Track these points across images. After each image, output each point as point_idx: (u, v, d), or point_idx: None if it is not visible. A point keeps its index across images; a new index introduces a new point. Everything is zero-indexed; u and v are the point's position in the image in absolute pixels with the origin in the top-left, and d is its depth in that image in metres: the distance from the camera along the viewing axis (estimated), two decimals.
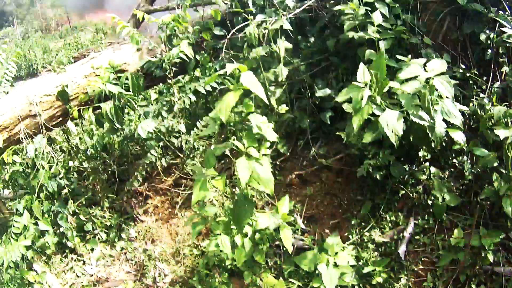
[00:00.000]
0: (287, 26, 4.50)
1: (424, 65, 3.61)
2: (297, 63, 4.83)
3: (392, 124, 3.31)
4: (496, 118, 3.64)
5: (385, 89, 3.43)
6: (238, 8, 5.05)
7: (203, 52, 5.22)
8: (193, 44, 5.06)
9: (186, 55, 4.72)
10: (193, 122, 5.24)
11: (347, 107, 3.69)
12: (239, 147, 3.13)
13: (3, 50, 5.78)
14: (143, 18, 5.05)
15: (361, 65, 3.51)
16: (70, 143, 5.53)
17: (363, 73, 3.42)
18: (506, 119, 3.61)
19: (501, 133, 3.49)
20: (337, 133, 4.27)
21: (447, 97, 3.47)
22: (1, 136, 4.56)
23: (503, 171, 3.72)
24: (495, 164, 3.73)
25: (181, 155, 5.18)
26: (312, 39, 5.09)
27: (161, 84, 5.54)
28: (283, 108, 3.93)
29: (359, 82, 3.44)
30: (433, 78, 3.38)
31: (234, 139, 3.23)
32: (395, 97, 3.59)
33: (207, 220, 3.70)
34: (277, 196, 4.51)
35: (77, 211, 5.09)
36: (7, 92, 5.57)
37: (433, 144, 3.65)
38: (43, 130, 4.80)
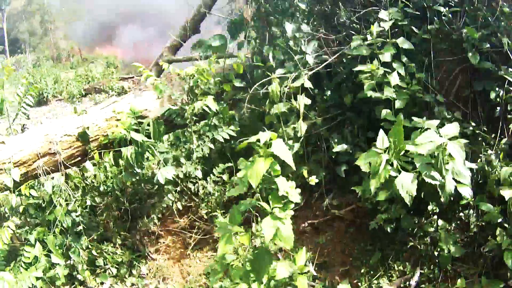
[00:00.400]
0: (308, 84, 4.75)
1: (438, 127, 3.85)
2: (314, 117, 5.04)
3: (406, 186, 3.56)
4: (503, 178, 3.89)
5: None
6: (258, 61, 5.33)
7: (222, 101, 5.46)
8: (214, 95, 5.29)
9: (208, 107, 4.95)
10: (209, 167, 5.44)
11: (364, 167, 3.88)
12: (265, 207, 3.32)
13: (22, 84, 5.96)
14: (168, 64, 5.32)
15: (381, 132, 3.79)
16: (84, 180, 5.67)
17: (382, 140, 3.68)
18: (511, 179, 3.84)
19: (507, 193, 3.80)
20: (353, 187, 4.46)
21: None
22: (19, 170, 4.74)
23: (506, 225, 3.93)
24: (499, 220, 3.94)
25: (196, 199, 5.37)
26: (329, 92, 5.29)
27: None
28: (312, 180, 4.12)
29: (377, 148, 3.65)
30: (446, 144, 3.59)
31: (259, 198, 3.42)
32: (409, 156, 3.81)
33: (226, 266, 3.86)
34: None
35: (89, 246, 5.26)
36: (23, 125, 5.81)
37: (442, 200, 3.84)
38: (61, 168, 4.99)
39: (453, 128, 3.77)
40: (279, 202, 3.42)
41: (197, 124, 5.66)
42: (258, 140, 3.39)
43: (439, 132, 3.81)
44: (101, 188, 5.62)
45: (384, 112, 4.47)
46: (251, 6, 5.72)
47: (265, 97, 5.00)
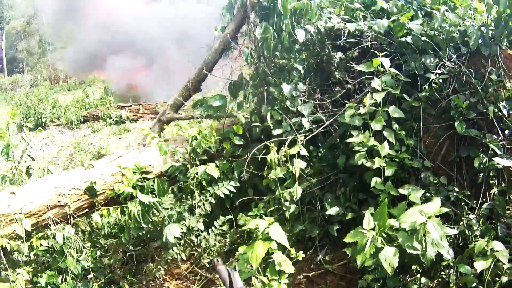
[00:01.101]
0: (304, 152, 5.23)
1: (422, 198, 4.38)
2: (309, 179, 5.53)
3: (389, 259, 4.09)
4: (477, 250, 4.29)
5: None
6: (257, 121, 5.79)
7: (222, 158, 5.92)
8: (215, 152, 5.76)
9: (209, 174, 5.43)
10: (210, 219, 5.88)
11: (349, 239, 4.37)
12: (263, 280, 3.79)
13: (27, 128, 6.40)
14: (168, 122, 5.81)
15: (367, 213, 4.30)
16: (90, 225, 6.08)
17: (368, 221, 4.16)
18: (486, 251, 4.30)
19: (479, 265, 4.21)
20: (343, 249, 4.90)
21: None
22: (30, 221, 5.13)
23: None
24: (474, 284, 4.37)
25: (199, 250, 5.81)
26: (323, 150, 5.76)
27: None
28: (300, 255, 4.64)
29: (363, 229, 4.15)
30: (426, 222, 4.11)
31: (258, 270, 3.90)
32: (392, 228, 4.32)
33: None
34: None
35: None
36: (28, 167, 6.23)
37: (424, 265, 4.34)
38: (71, 219, 5.40)
39: (434, 206, 4.26)
40: (275, 274, 3.88)
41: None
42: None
43: (423, 202, 4.35)
44: (106, 231, 6.00)
45: (374, 181, 4.95)
46: (250, 67, 6.18)
47: (263, 161, 5.43)
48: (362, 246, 4.11)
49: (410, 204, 4.69)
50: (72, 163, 10.12)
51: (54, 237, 5.38)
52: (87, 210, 5.62)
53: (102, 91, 19.22)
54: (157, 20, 22.61)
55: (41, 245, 5.31)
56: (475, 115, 5.25)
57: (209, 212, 5.71)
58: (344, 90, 5.74)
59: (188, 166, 5.61)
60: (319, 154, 5.81)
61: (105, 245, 6.01)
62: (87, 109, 15.18)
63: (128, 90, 18.78)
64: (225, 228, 5.89)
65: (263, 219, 4.50)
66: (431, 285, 4.82)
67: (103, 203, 5.60)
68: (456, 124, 5.15)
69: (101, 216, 5.61)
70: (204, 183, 5.71)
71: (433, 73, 5.40)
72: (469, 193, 5.18)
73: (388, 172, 4.95)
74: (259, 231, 3.92)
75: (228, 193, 5.67)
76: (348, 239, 4.33)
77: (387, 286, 4.75)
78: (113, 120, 13.96)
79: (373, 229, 4.16)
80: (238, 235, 5.81)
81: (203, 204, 5.61)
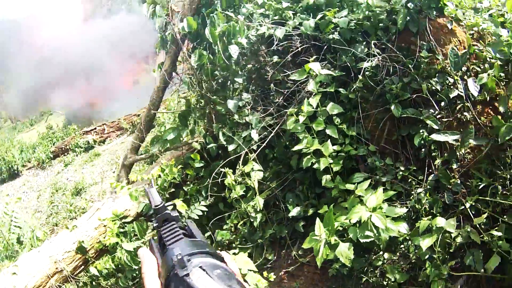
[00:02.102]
0: (258, 167, 5.80)
1: (370, 183, 5.01)
2: (269, 184, 6.13)
3: (345, 253, 4.77)
4: (422, 230, 4.78)
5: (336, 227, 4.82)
6: (211, 141, 6.36)
7: (188, 183, 6.50)
8: (180, 181, 6.33)
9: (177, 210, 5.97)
10: None
11: (306, 245, 5.03)
12: None
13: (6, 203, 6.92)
14: (132, 164, 6.37)
15: (317, 221, 4.90)
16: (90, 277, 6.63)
17: (319, 228, 4.81)
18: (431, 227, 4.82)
19: (425, 242, 4.69)
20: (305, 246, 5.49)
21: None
22: None
23: (434, 256, 4.80)
24: (427, 256, 4.84)
25: None
26: (276, 152, 6.29)
27: None
28: (271, 276, 5.37)
29: (316, 235, 4.80)
30: (371, 216, 4.73)
31: None
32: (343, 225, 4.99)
33: None
34: None
35: None
36: (18, 237, 6.77)
37: (381, 247, 4.99)
38: (71, 281, 5.95)
39: (376, 199, 4.87)
40: None
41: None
42: None
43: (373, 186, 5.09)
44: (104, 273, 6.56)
45: (324, 179, 5.53)
46: (194, 92, 6.71)
47: (223, 184, 5.96)
48: (317, 251, 4.76)
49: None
50: (55, 208, 10.55)
51: None
52: (82, 267, 6.13)
53: (64, 118, 19.43)
54: (93, 36, 22.76)
55: None
56: (409, 95, 5.51)
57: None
58: (285, 91, 6.12)
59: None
60: (274, 155, 6.33)
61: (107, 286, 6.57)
62: (54, 143, 15.46)
63: (84, 112, 19.02)
64: None
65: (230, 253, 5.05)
66: (394, 258, 5.33)
67: (95, 256, 6.12)
68: (392, 107, 5.50)
69: (96, 268, 6.18)
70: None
71: (365, 61, 5.63)
72: (415, 168, 5.56)
73: (336, 168, 5.48)
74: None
75: (201, 213, 6.14)
76: (305, 245, 4.97)
77: (354, 268, 5.31)
78: (82, 148, 14.31)
79: (325, 232, 4.80)
80: (219, 248, 6.36)
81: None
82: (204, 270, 1.13)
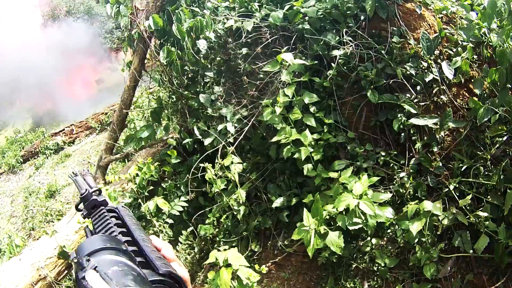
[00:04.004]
0: (237, 160, 5.53)
1: (353, 169, 4.78)
2: (249, 176, 5.85)
3: (335, 242, 4.54)
4: (410, 214, 4.65)
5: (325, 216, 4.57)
6: (186, 137, 6.05)
7: (166, 179, 6.18)
8: (158, 178, 6.01)
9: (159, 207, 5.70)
10: (174, 235, 6.16)
11: (296, 237, 4.78)
12: None
13: None
14: (107, 165, 6.01)
15: (305, 211, 4.69)
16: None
17: (307, 218, 4.57)
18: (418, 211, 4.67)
19: (415, 226, 4.53)
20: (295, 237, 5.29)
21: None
22: None
23: (423, 239, 4.71)
24: (416, 240, 4.71)
25: None
26: (254, 143, 6.05)
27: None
28: (263, 269, 4.90)
29: (305, 226, 4.55)
30: (358, 203, 4.52)
31: None
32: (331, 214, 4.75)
33: None
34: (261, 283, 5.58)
35: None
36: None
37: (369, 232, 4.78)
38: (55, 285, 5.63)
39: (362, 186, 4.67)
40: (245, 287, 4.25)
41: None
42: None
43: (355, 173, 4.88)
44: None
45: (306, 168, 5.28)
46: (165, 89, 6.40)
47: (201, 178, 5.73)
48: (308, 241, 4.53)
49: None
50: (30, 212, 10.14)
51: None
52: (66, 271, 5.85)
53: (31, 121, 18.81)
54: (51, 38, 22.20)
55: None
56: (385, 80, 5.38)
57: (170, 235, 5.99)
58: (258, 82, 5.90)
59: (139, 200, 5.85)
60: (251, 146, 6.11)
61: None
62: (23, 147, 14.91)
63: (50, 114, 18.47)
64: (190, 239, 6.18)
65: (222, 250, 4.80)
66: (382, 243, 5.21)
67: None
68: (368, 94, 5.32)
69: None
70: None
71: (338, 49, 5.45)
72: (396, 152, 5.43)
73: (317, 157, 5.27)
74: (219, 261, 4.26)
75: (182, 209, 5.94)
76: (295, 236, 4.75)
77: (343, 256, 5.13)
78: (51, 150, 13.82)
79: (314, 222, 4.57)
80: (203, 242, 6.11)
81: (163, 227, 5.88)
82: (97, 271, 1.04)
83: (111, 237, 1.26)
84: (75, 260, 1.08)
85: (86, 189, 1.47)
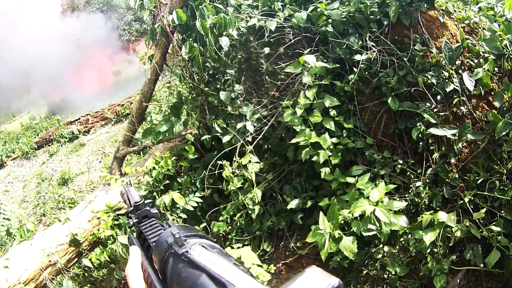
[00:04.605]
0: (255, 159, 5.56)
1: (370, 174, 4.80)
2: (265, 176, 5.88)
3: (349, 247, 4.54)
4: (425, 224, 4.64)
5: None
6: (205, 133, 6.10)
7: (182, 174, 6.23)
8: (174, 173, 6.05)
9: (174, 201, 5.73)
10: None
11: (310, 239, 4.80)
12: None
13: None
14: (124, 157, 6.07)
15: (321, 215, 4.68)
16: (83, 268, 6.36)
17: (323, 221, 4.59)
18: (433, 222, 4.67)
19: (428, 237, 4.54)
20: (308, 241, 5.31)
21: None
22: (30, 287, 5.38)
23: (435, 250, 4.71)
24: (428, 250, 4.71)
25: None
26: (272, 144, 6.06)
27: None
28: (271, 268, 5.06)
29: (321, 229, 4.57)
30: (374, 210, 4.53)
31: None
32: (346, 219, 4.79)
33: None
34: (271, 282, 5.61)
35: None
36: (7, 229, 6.46)
37: (382, 239, 4.80)
38: (65, 273, 5.69)
39: (379, 193, 4.67)
40: None
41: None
42: None
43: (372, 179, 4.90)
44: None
45: (323, 172, 5.30)
46: (186, 84, 6.45)
47: (220, 166, 5.73)
48: (322, 245, 4.54)
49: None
50: (41, 198, 10.21)
51: None
52: (76, 259, 5.91)
53: (46, 109, 18.96)
54: (71, 29, 22.38)
55: None
56: (406, 88, 5.38)
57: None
58: (279, 83, 5.91)
59: (154, 194, 5.90)
60: (270, 146, 6.12)
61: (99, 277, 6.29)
62: (38, 134, 15.03)
63: (66, 102, 18.59)
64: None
65: (234, 247, 4.84)
66: (394, 251, 5.23)
67: (88, 248, 5.89)
68: (389, 101, 5.31)
69: (92, 262, 5.92)
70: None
71: (360, 54, 5.45)
72: (413, 161, 5.43)
73: (335, 161, 5.27)
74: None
75: (196, 205, 5.96)
76: (309, 239, 4.75)
77: (355, 261, 5.13)
78: (66, 138, 13.92)
79: (329, 226, 4.59)
80: (215, 239, 6.15)
81: (176, 221, 5.93)
82: (204, 247, 1.07)
83: (196, 229, 1.29)
84: (177, 236, 1.09)
85: (141, 199, 1.51)
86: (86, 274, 6.25)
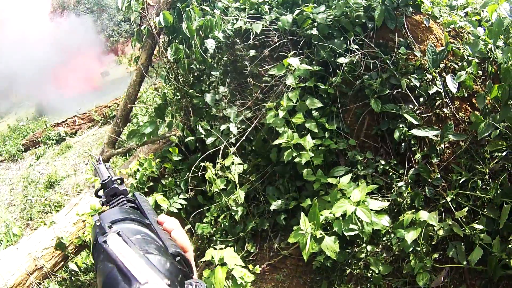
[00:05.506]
0: (238, 160, 5.61)
1: (352, 175, 4.86)
2: (249, 178, 5.93)
3: (330, 247, 4.61)
4: (406, 223, 4.69)
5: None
6: (189, 135, 6.14)
7: (166, 176, 6.27)
8: (158, 175, 6.10)
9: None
10: None
11: (292, 240, 4.86)
12: None
13: None
14: (109, 159, 6.11)
15: (302, 215, 4.74)
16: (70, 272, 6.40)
17: (304, 222, 4.66)
18: (414, 221, 4.73)
19: (410, 235, 4.59)
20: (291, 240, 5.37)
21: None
22: None
23: (418, 248, 4.75)
24: (411, 249, 4.77)
25: None
26: (255, 146, 6.12)
27: None
28: (257, 269, 5.10)
29: (302, 229, 4.63)
30: (355, 210, 4.59)
31: None
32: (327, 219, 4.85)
33: None
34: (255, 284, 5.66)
35: None
36: None
37: (364, 239, 4.87)
38: (51, 277, 5.71)
39: (360, 193, 4.72)
40: (239, 287, 4.35)
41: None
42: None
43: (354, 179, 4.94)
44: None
45: (305, 172, 5.37)
46: (171, 86, 6.49)
47: (204, 168, 5.75)
48: (303, 244, 4.60)
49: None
50: (28, 202, 10.20)
51: None
52: (62, 262, 5.92)
53: (34, 110, 18.87)
54: (59, 29, 22.37)
55: None
56: (388, 90, 5.45)
57: None
58: (263, 85, 5.98)
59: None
60: (253, 148, 6.18)
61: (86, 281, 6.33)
62: (25, 136, 14.98)
63: (53, 104, 18.48)
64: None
65: (218, 248, 4.88)
66: (377, 250, 5.28)
67: (74, 251, 5.92)
68: (372, 103, 5.38)
69: (78, 266, 5.95)
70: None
71: (344, 56, 5.50)
72: (395, 161, 5.51)
73: (317, 162, 5.34)
74: (215, 260, 4.35)
75: (180, 207, 5.98)
76: (291, 239, 4.81)
77: (338, 261, 5.21)
78: (53, 140, 13.89)
79: (311, 226, 4.66)
80: (200, 241, 6.20)
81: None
82: (120, 235, 1.08)
83: (134, 211, 1.32)
84: (97, 223, 1.12)
85: (109, 177, 1.49)
86: (73, 278, 6.29)
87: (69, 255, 5.85)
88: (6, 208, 10.46)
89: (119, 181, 1.51)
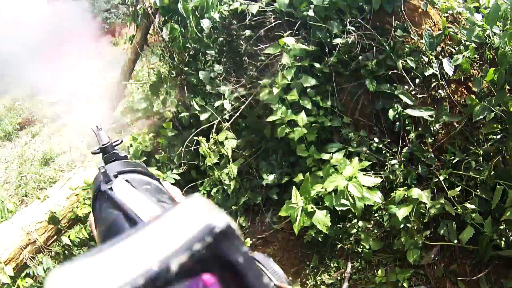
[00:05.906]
0: (231, 135, 5.61)
1: (344, 153, 4.86)
2: (242, 153, 5.92)
3: (322, 221, 4.64)
4: (398, 200, 4.73)
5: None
6: (183, 111, 6.12)
7: (160, 150, 6.26)
8: (152, 150, 6.08)
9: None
10: None
11: (283, 213, 4.89)
12: None
13: None
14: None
15: (294, 189, 4.77)
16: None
17: (295, 196, 4.68)
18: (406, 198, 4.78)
19: (401, 212, 4.63)
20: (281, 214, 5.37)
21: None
22: (10, 266, 5.35)
23: (409, 225, 4.77)
24: (402, 226, 4.80)
25: None
26: (249, 122, 6.12)
27: None
28: (247, 242, 5.08)
29: (293, 203, 4.65)
30: (347, 185, 4.61)
31: None
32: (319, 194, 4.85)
33: None
34: None
35: None
36: None
37: (356, 214, 4.89)
38: (44, 251, 5.69)
39: (352, 169, 4.73)
40: None
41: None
42: None
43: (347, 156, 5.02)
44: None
45: (299, 148, 5.37)
46: (166, 64, 6.46)
47: (197, 142, 5.79)
48: (294, 218, 4.62)
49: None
50: (23, 179, 10.16)
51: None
52: (55, 237, 5.88)
53: (29, 89, 18.71)
54: (50, 12, 22.18)
55: (26, 282, 5.56)
56: (384, 71, 5.41)
57: None
58: (259, 64, 5.95)
59: None
60: (247, 124, 6.16)
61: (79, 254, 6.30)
62: (21, 115, 14.86)
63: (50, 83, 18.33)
64: None
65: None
66: (369, 226, 5.29)
67: (67, 225, 5.88)
68: (367, 82, 5.37)
69: (72, 240, 5.93)
70: None
71: (340, 37, 5.48)
72: (389, 140, 5.51)
73: (310, 138, 5.33)
74: None
75: (174, 181, 5.94)
76: (282, 213, 4.84)
77: (329, 235, 5.22)
78: (49, 119, 13.79)
79: (302, 200, 4.67)
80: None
81: None
82: (128, 182, 1.02)
83: (143, 165, 1.25)
84: (102, 170, 1.04)
85: (109, 141, 1.44)
86: (66, 252, 6.27)
87: (62, 229, 5.81)
88: (1, 186, 10.38)
89: (120, 147, 1.48)
